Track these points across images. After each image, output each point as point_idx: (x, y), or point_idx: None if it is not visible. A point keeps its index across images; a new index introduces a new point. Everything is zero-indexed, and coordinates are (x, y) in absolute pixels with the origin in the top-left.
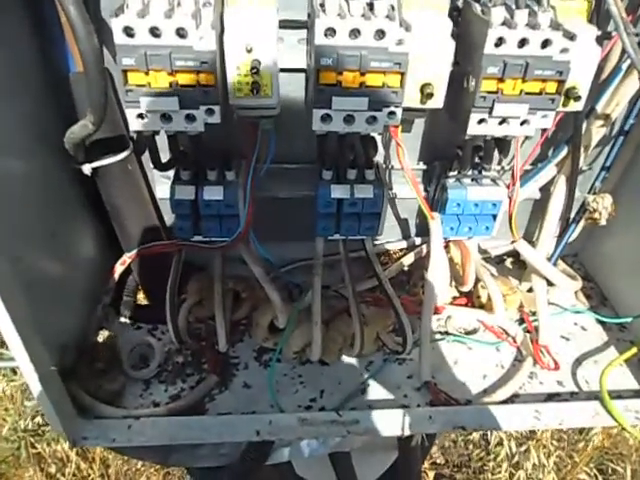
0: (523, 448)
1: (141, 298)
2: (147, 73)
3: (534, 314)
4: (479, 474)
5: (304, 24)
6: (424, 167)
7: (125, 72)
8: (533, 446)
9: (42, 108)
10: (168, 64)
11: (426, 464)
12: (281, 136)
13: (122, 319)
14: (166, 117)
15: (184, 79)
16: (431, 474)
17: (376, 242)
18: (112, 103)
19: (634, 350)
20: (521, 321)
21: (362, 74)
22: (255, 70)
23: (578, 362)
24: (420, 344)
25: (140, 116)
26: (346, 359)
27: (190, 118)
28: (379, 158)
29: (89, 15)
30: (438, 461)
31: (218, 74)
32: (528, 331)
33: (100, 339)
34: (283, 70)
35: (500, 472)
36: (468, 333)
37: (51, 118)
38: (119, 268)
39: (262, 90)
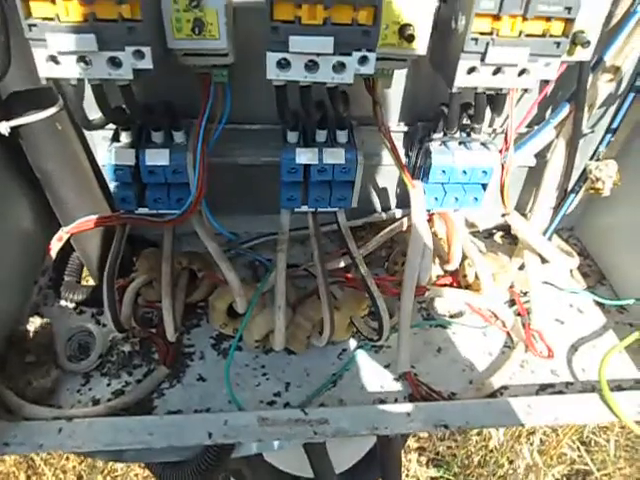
0: None
1: (86, 278)
2: (54, 2)
3: (526, 294)
4: (462, 448)
5: None
6: (405, 129)
7: (26, 1)
8: None
9: None
10: None
11: (409, 438)
12: (239, 90)
13: (62, 302)
14: (84, 61)
15: (102, 11)
16: (414, 448)
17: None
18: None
19: (636, 335)
20: (512, 303)
21: (326, 7)
22: (195, 3)
23: (574, 348)
24: (399, 329)
25: (52, 59)
26: (316, 347)
27: (114, 62)
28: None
29: None
30: (421, 435)
31: (146, 5)
32: (519, 314)
33: (32, 327)
34: (240, 6)
35: (484, 445)
36: (453, 316)
37: None
38: (56, 244)
39: (206, 30)
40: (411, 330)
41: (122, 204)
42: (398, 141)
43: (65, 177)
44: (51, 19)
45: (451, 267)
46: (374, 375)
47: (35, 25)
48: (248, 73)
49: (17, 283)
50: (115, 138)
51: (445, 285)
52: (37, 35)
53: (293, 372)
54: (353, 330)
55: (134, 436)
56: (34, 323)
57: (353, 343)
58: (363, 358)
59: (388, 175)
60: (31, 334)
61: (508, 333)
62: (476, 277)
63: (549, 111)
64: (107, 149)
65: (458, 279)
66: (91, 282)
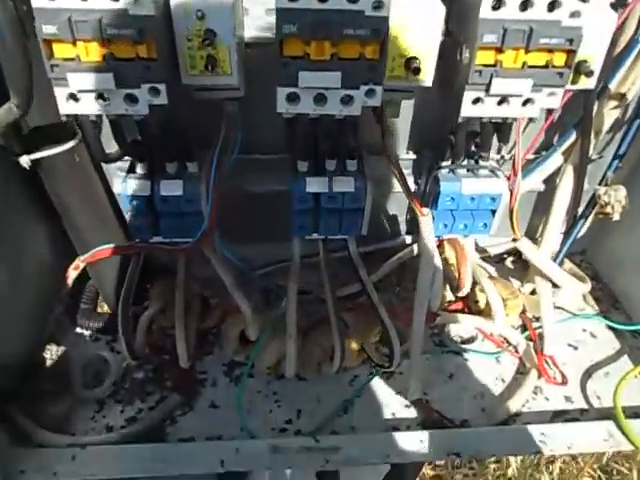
0: None
1: (102, 306)
2: (74, 44)
3: (538, 320)
4: (479, 476)
5: None
6: (414, 157)
7: (48, 43)
8: None
9: None
10: (98, 32)
11: (425, 466)
12: (250, 121)
13: (78, 330)
14: (102, 98)
15: (120, 51)
16: (430, 476)
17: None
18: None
19: None
20: (523, 328)
21: (334, 43)
22: (208, 41)
23: (588, 374)
24: (410, 356)
25: (72, 97)
26: (327, 374)
27: (131, 99)
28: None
29: None
30: (437, 462)
31: (162, 45)
32: (532, 339)
33: (48, 355)
34: (249, 45)
35: (502, 474)
36: (465, 342)
37: None
38: (72, 273)
39: (219, 66)
40: (423, 357)
41: (137, 233)
42: (407, 169)
43: (82, 207)
44: (72, 59)
45: (462, 293)
46: (386, 402)
47: (57, 65)
48: (259, 105)
49: (34, 311)
50: (131, 169)
51: (457, 311)
52: (59, 75)
53: (305, 399)
54: (364, 357)
55: (147, 464)
56: (50, 351)
57: (365, 370)
58: (375, 385)
59: (398, 202)
60: (47, 362)
61: (520, 359)
62: (487, 303)
63: (556, 137)
64: (123, 180)
65: (469, 305)
66: (106, 309)
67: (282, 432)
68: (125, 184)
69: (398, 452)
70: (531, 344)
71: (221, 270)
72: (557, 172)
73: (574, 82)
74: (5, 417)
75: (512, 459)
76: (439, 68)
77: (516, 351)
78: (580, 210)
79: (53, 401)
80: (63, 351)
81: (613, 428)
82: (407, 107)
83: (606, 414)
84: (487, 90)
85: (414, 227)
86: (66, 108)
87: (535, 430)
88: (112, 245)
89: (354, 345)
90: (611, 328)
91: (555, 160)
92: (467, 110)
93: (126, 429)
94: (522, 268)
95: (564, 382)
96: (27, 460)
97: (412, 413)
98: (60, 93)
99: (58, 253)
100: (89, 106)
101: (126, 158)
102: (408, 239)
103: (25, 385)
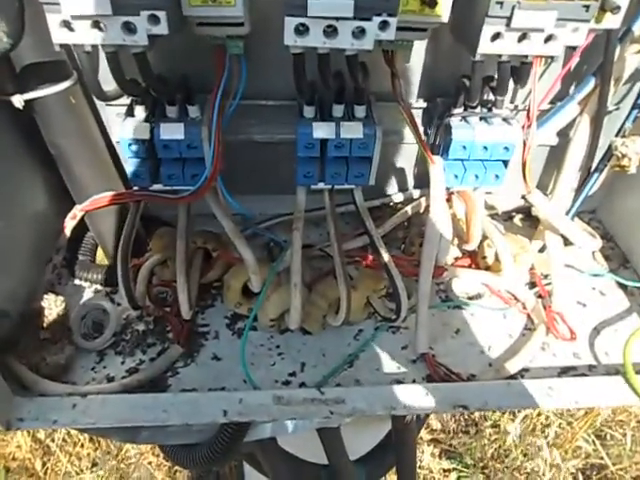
0: (522, 415)
1: (101, 257)
2: None
3: (547, 277)
4: (476, 440)
5: None
6: (424, 105)
7: None
8: (532, 414)
9: None
10: None
11: (422, 430)
12: (255, 65)
13: (77, 281)
14: (98, 27)
15: None
16: (427, 440)
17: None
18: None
19: None
20: (532, 285)
21: None
22: None
23: (597, 331)
24: (416, 310)
25: (65, 24)
26: (332, 328)
27: (129, 28)
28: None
29: None
30: (434, 427)
31: None
32: (540, 296)
33: (47, 304)
34: None
35: (498, 438)
36: (471, 298)
37: None
38: (70, 223)
39: None
40: (429, 311)
41: (136, 180)
42: (417, 118)
43: (79, 153)
44: None
45: (470, 247)
46: (391, 356)
47: None
48: (265, 47)
49: (31, 261)
50: (129, 113)
51: (464, 266)
52: None
53: (309, 352)
54: (370, 311)
55: (148, 413)
56: (48, 300)
57: (370, 324)
58: (380, 339)
59: (406, 154)
60: (45, 311)
61: (529, 315)
62: (496, 259)
63: (573, 87)
64: (121, 123)
65: (477, 261)
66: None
67: (286, 384)
68: (123, 127)
69: (404, 404)
70: (540, 300)
71: (223, 220)
72: (570, 126)
73: (598, 21)
74: (4, 366)
75: (508, 425)
76: (455, 6)
77: (524, 307)
78: (594, 165)
79: (52, 350)
80: (62, 301)
81: (621, 383)
82: (418, 53)
83: (614, 370)
84: (508, 24)
85: (422, 182)
86: (59, 37)
87: (543, 384)
88: (110, 193)
89: (360, 298)
90: (621, 286)
91: (571, 110)
92: (485, 47)
93: (127, 380)
94: (530, 226)
95: (573, 338)
96: (26, 408)
97: (418, 367)
98: (53, 20)
99: (56, 204)
100: (84, 35)
101: (124, 102)
102: (415, 194)
103: (23, 334)
